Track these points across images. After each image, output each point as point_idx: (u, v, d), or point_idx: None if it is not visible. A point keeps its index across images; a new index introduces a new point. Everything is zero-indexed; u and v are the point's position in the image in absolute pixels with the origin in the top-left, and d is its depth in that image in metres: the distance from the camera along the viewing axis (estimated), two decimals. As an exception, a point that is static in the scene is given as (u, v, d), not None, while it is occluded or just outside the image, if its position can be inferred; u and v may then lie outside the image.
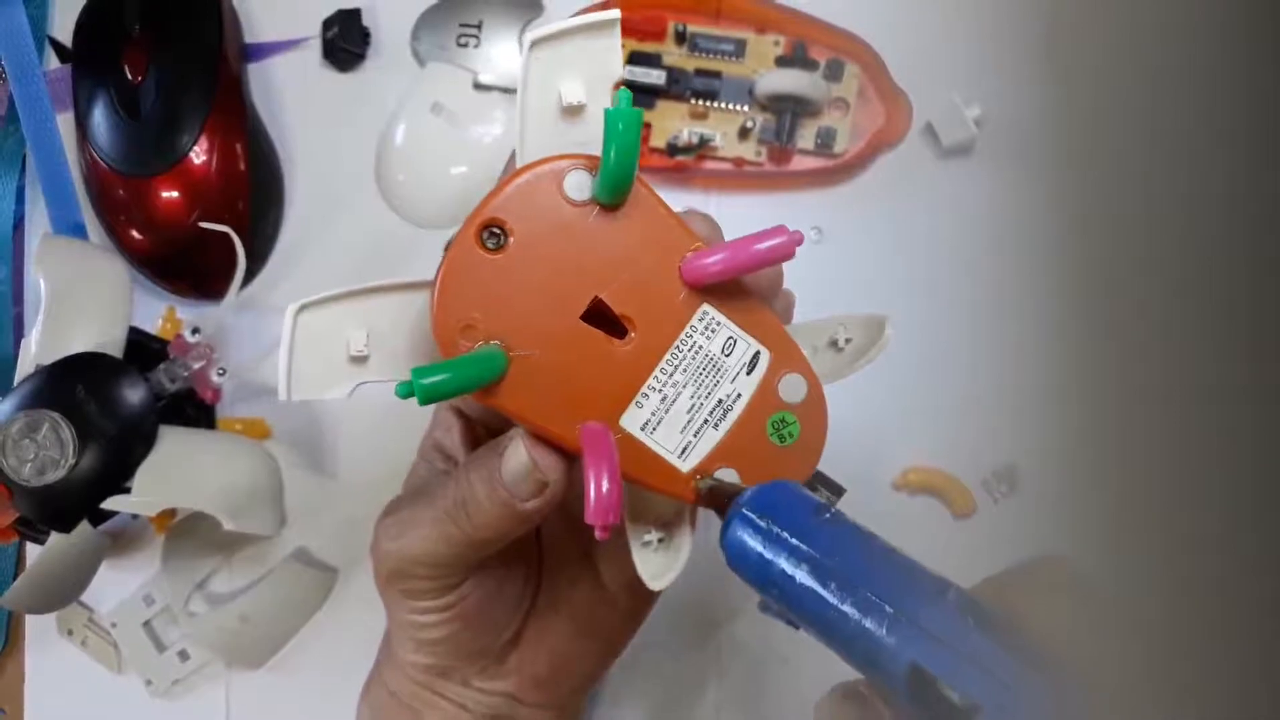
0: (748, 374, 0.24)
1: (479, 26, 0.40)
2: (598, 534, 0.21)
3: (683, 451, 0.24)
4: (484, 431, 0.30)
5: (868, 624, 0.18)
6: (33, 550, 0.38)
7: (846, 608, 0.18)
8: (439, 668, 0.29)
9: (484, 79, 0.40)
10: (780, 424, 0.25)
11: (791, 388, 0.25)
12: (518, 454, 0.24)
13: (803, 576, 0.19)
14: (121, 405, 0.34)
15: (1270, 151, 0.15)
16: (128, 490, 0.34)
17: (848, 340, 0.26)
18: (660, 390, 0.24)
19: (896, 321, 0.26)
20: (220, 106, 0.39)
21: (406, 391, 0.21)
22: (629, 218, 0.23)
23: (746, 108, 0.38)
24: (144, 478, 0.34)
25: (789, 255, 0.23)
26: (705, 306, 0.24)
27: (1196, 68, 0.16)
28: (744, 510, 0.21)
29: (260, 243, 0.41)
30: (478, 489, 0.25)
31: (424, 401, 0.21)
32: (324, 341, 0.24)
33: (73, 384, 0.34)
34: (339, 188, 0.42)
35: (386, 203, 0.41)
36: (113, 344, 0.36)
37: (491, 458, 0.25)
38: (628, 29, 0.38)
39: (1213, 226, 0.16)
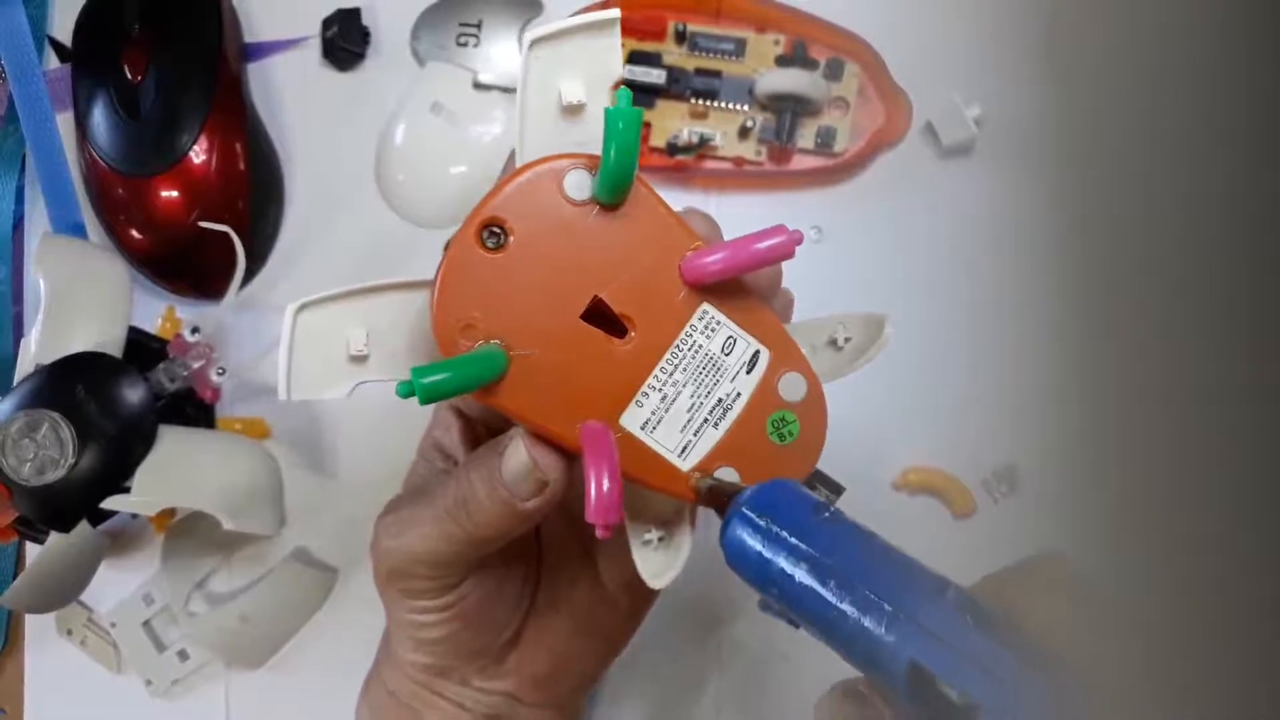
0: (747, 373, 0.24)
1: (479, 26, 0.40)
2: (599, 533, 0.21)
3: (683, 450, 0.24)
4: (483, 431, 0.30)
5: (867, 622, 0.18)
6: (32, 550, 0.38)
7: (846, 606, 0.18)
8: (438, 667, 0.29)
9: (484, 78, 0.40)
10: (780, 423, 0.25)
11: (791, 387, 0.25)
12: (518, 453, 0.24)
13: (802, 575, 0.19)
14: (121, 405, 0.34)
15: (1270, 151, 0.15)
16: (127, 490, 0.34)
17: (847, 339, 0.26)
18: (660, 389, 0.24)
19: (896, 321, 0.26)
20: (220, 106, 0.39)
21: (407, 391, 0.21)
22: (629, 217, 0.23)
23: (746, 107, 0.38)
24: (144, 477, 0.34)
25: (789, 254, 0.23)
26: (705, 305, 0.24)
27: (1196, 68, 0.16)
28: (743, 509, 0.21)
29: (260, 242, 0.41)
30: (478, 488, 0.25)
31: (425, 401, 0.21)
32: (324, 341, 0.24)
33: (72, 384, 0.34)
34: (339, 187, 0.42)
35: (386, 202, 0.41)
36: (112, 344, 0.36)
37: (492, 457, 0.25)
38: (627, 28, 0.38)
39: (1213, 226, 0.16)
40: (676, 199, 0.24)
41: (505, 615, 0.30)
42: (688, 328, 0.24)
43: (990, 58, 0.39)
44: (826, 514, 0.20)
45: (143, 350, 0.38)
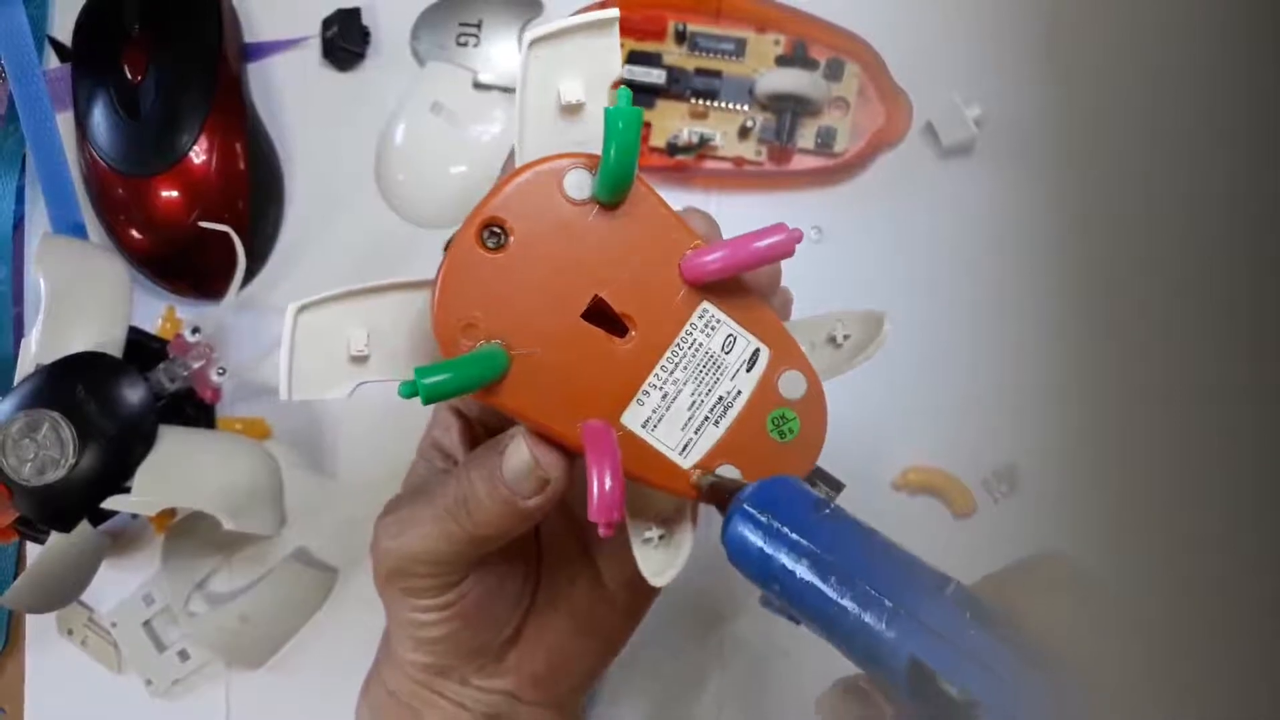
0: (747, 371, 0.24)
1: (479, 26, 0.40)
2: (601, 531, 0.21)
3: (684, 448, 0.24)
4: (483, 430, 0.30)
5: (867, 618, 0.18)
6: (33, 550, 0.38)
7: (846, 602, 0.18)
8: (438, 666, 0.29)
9: (484, 78, 0.40)
10: (780, 420, 0.25)
11: (791, 384, 0.25)
12: (519, 452, 0.24)
13: (803, 571, 0.19)
14: (121, 405, 0.34)
15: (1270, 151, 0.15)
16: (128, 490, 0.34)
17: (846, 336, 0.26)
18: (661, 388, 0.24)
19: (896, 321, 0.26)
20: (220, 106, 0.39)
21: (409, 391, 0.21)
22: (629, 216, 0.23)
23: (746, 107, 0.38)
24: (144, 477, 0.34)
25: (788, 253, 0.23)
26: (705, 304, 0.24)
27: (1196, 68, 0.16)
28: (745, 506, 0.21)
29: (260, 242, 0.41)
30: (479, 487, 0.25)
31: (427, 401, 0.21)
32: (324, 341, 0.24)
33: (73, 384, 0.34)
34: (339, 187, 0.42)
35: (386, 202, 0.41)
36: (113, 344, 0.36)
37: (492, 456, 0.25)
38: (628, 28, 0.38)
39: (1213, 226, 0.16)
40: (676, 199, 0.24)
41: (505, 614, 0.30)
42: (688, 326, 0.24)
43: (990, 58, 0.39)
44: (827, 510, 0.20)
45: (143, 350, 0.38)
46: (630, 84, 0.38)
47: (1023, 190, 0.38)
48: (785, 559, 0.20)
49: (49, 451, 0.33)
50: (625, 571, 0.29)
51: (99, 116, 0.39)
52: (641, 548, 0.25)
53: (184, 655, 0.40)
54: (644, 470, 0.24)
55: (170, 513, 0.39)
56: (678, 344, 0.24)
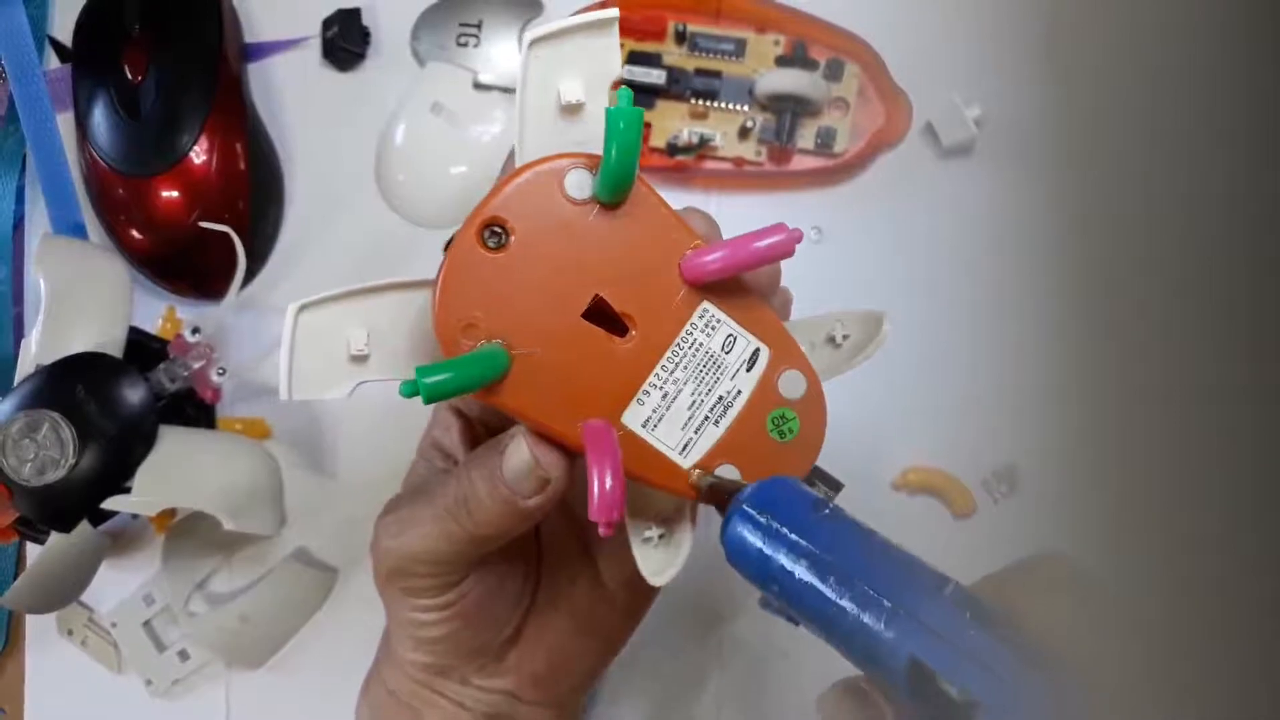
0: (747, 371, 0.24)
1: (479, 26, 0.40)
2: (601, 530, 0.21)
3: (684, 448, 0.24)
4: (483, 430, 0.30)
5: (866, 619, 0.18)
6: (33, 550, 0.38)
7: (845, 603, 0.18)
8: (438, 666, 0.29)
9: (484, 79, 0.40)
10: (780, 420, 0.25)
11: (791, 384, 0.25)
12: (519, 451, 0.24)
13: (802, 572, 0.19)
14: (121, 405, 0.34)
15: (1270, 151, 0.15)
16: (128, 490, 0.34)
17: (845, 336, 0.26)
18: (661, 387, 0.24)
19: (896, 321, 0.26)
20: (220, 106, 0.39)
21: (411, 390, 0.21)
22: (629, 216, 0.23)
23: (746, 107, 0.38)
24: (144, 478, 0.34)
25: (788, 253, 0.23)
26: (705, 304, 0.24)
27: (1196, 68, 0.16)
28: (744, 506, 0.21)
29: (260, 243, 0.41)
30: (479, 486, 0.25)
31: (428, 400, 0.21)
32: (324, 341, 0.24)
33: (73, 384, 0.34)
34: (339, 188, 0.42)
35: (386, 203, 0.41)
36: (113, 344, 0.36)
37: (493, 455, 0.25)
38: (628, 29, 0.38)
39: (1213, 226, 0.16)
40: (676, 199, 0.24)
41: (505, 613, 0.30)
42: (688, 326, 0.24)
43: (990, 58, 0.39)
44: (826, 510, 0.20)
45: (143, 350, 0.38)
46: (630, 84, 0.38)
47: (1023, 190, 0.38)
48: (784, 559, 0.20)
49: (49, 451, 0.33)
50: (625, 571, 0.29)
51: (99, 116, 0.39)
52: (641, 547, 0.25)
53: (184, 655, 0.40)
54: (644, 470, 0.24)
55: (170, 513, 0.39)
56: (678, 344, 0.24)
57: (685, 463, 0.24)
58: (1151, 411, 0.16)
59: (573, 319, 0.23)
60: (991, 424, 0.38)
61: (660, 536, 0.25)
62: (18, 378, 0.35)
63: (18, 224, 0.42)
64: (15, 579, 0.35)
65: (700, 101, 0.38)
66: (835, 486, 0.37)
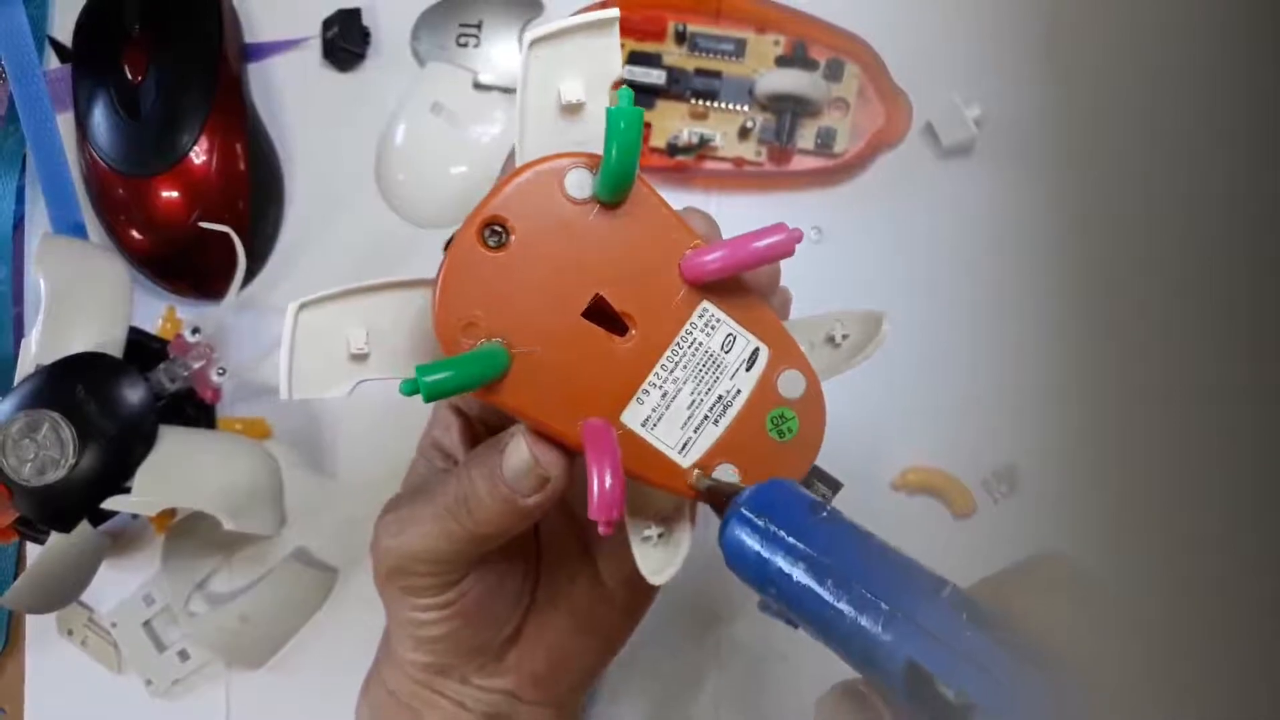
0: (747, 370, 0.24)
1: (479, 26, 0.40)
2: (600, 529, 0.21)
3: (683, 447, 0.24)
4: (483, 429, 0.30)
5: (864, 622, 0.18)
6: (33, 550, 0.38)
7: (843, 605, 0.18)
8: (438, 666, 0.29)
9: (484, 79, 0.40)
10: (779, 419, 0.25)
11: (790, 383, 0.25)
12: (519, 450, 0.24)
13: (799, 575, 0.19)
14: (121, 405, 0.34)
15: (1270, 151, 0.15)
16: (128, 490, 0.34)
17: (845, 336, 0.26)
18: (661, 387, 0.24)
19: (896, 321, 0.26)
20: (220, 106, 0.39)
21: (411, 389, 0.21)
22: (629, 216, 0.23)
23: (746, 108, 0.38)
24: (144, 478, 0.34)
25: (788, 252, 0.23)
26: (705, 303, 0.24)
27: (1196, 68, 0.16)
28: (742, 509, 0.21)
29: (260, 243, 0.41)
30: (479, 485, 0.25)
31: (428, 399, 0.21)
32: (324, 339, 0.24)
33: (73, 384, 0.34)
34: (339, 188, 0.42)
35: (386, 203, 0.41)
36: (113, 344, 0.36)
37: (492, 454, 0.25)
38: (628, 29, 0.38)
39: (1213, 226, 0.16)
40: (676, 199, 0.24)
41: (505, 612, 0.30)
42: (688, 325, 0.24)
43: (990, 58, 0.39)
44: (824, 513, 0.20)
45: (143, 350, 0.38)
46: (630, 84, 0.38)
47: (1022, 190, 0.38)
48: (782, 562, 0.20)
49: (49, 451, 0.33)
50: (624, 570, 0.29)
51: (99, 116, 0.39)
52: (640, 546, 0.25)
53: (184, 655, 0.40)
54: (643, 469, 0.24)
55: (170, 513, 0.39)
56: (677, 343, 0.24)
57: (684, 462, 0.24)
58: (1151, 411, 0.16)
59: (573, 318, 0.23)
60: (991, 424, 0.38)
61: (659, 535, 0.25)
62: (18, 378, 0.35)
63: (18, 224, 0.42)
64: (15, 579, 0.35)
65: (700, 101, 0.38)
66: (834, 486, 0.37)
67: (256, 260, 0.41)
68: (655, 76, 0.38)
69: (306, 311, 0.23)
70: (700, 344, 0.24)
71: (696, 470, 0.24)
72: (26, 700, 0.41)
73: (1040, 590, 0.19)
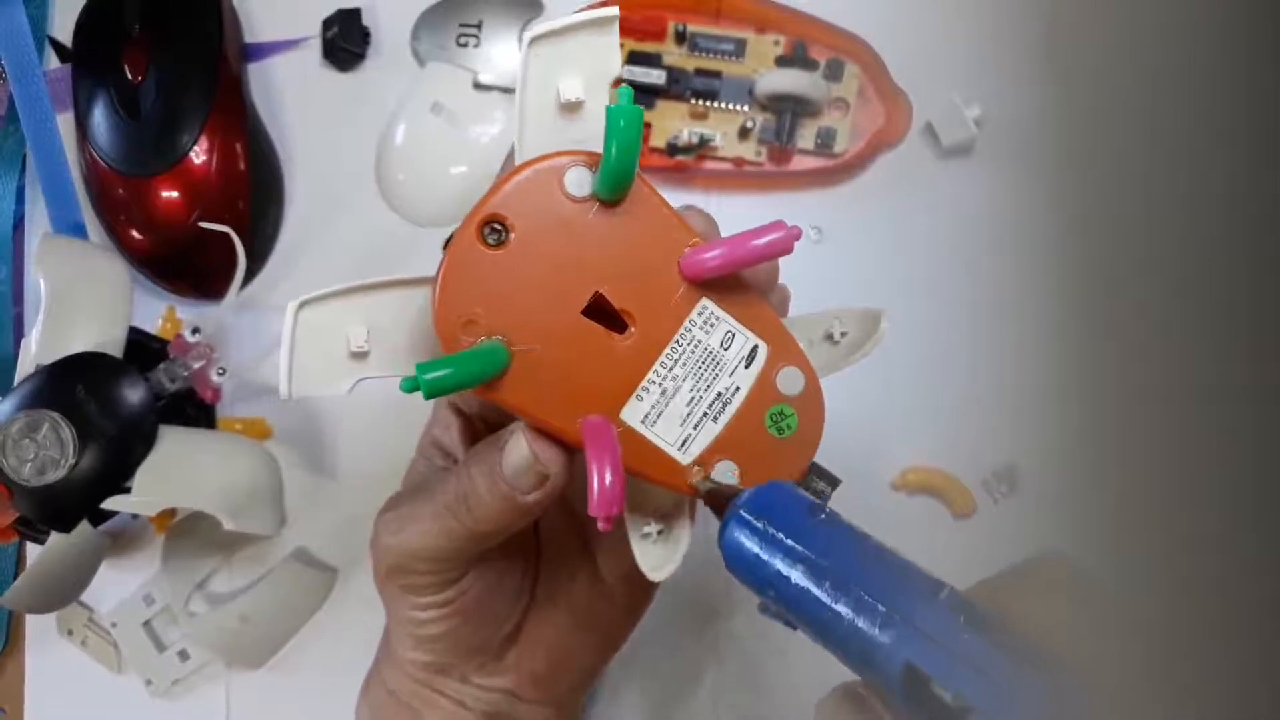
0: (746, 367, 0.24)
1: (479, 26, 0.40)
2: (600, 526, 0.21)
3: (683, 444, 0.24)
4: (482, 427, 0.30)
5: (861, 624, 0.18)
6: (33, 550, 0.38)
7: (841, 607, 0.18)
8: (438, 665, 0.29)
9: (484, 79, 0.40)
10: (778, 416, 0.25)
11: (789, 380, 0.25)
12: (519, 447, 0.24)
13: (798, 577, 0.19)
14: (121, 405, 0.34)
15: (1270, 151, 0.15)
16: (128, 490, 0.34)
17: (843, 333, 0.26)
18: (660, 384, 0.24)
19: (896, 321, 0.26)
20: (220, 106, 0.39)
21: (411, 386, 0.21)
22: (629, 214, 0.23)
23: (746, 108, 0.38)
24: (144, 478, 0.34)
25: (787, 250, 0.23)
26: (704, 301, 0.24)
27: (1196, 68, 0.16)
28: (740, 511, 0.21)
29: (260, 242, 0.41)
30: (479, 482, 0.25)
31: (428, 396, 0.21)
32: (324, 337, 0.24)
33: (73, 384, 0.34)
34: (339, 187, 0.42)
35: (386, 202, 0.41)
36: (113, 344, 0.36)
37: (492, 452, 0.25)
38: (628, 29, 0.38)
39: (1213, 226, 0.16)
40: (676, 199, 0.24)
41: (505, 609, 0.30)
42: (687, 323, 0.24)
43: (990, 58, 0.39)
44: (822, 515, 0.20)
45: (143, 350, 0.38)
46: (630, 84, 0.38)
47: (1022, 190, 0.38)
48: (780, 564, 0.20)
49: (49, 451, 0.33)
50: (624, 567, 0.29)
51: (99, 116, 0.39)
52: (640, 543, 0.25)
53: (184, 655, 0.40)
54: (643, 465, 0.24)
55: (170, 513, 0.39)
56: (677, 340, 0.24)
57: (684, 459, 0.24)
58: (1151, 411, 0.16)
59: (572, 316, 0.23)
60: (991, 424, 0.38)
61: (659, 532, 0.25)
62: (18, 378, 0.35)
63: (18, 224, 0.42)
64: (15, 579, 0.35)
65: (700, 101, 0.38)
66: (833, 482, 0.37)
67: (256, 260, 0.41)
68: (655, 76, 0.38)
69: (307, 309, 0.24)
70: (699, 341, 0.24)
71: (696, 470, 0.24)
72: (26, 700, 0.41)
73: (1040, 591, 0.19)
